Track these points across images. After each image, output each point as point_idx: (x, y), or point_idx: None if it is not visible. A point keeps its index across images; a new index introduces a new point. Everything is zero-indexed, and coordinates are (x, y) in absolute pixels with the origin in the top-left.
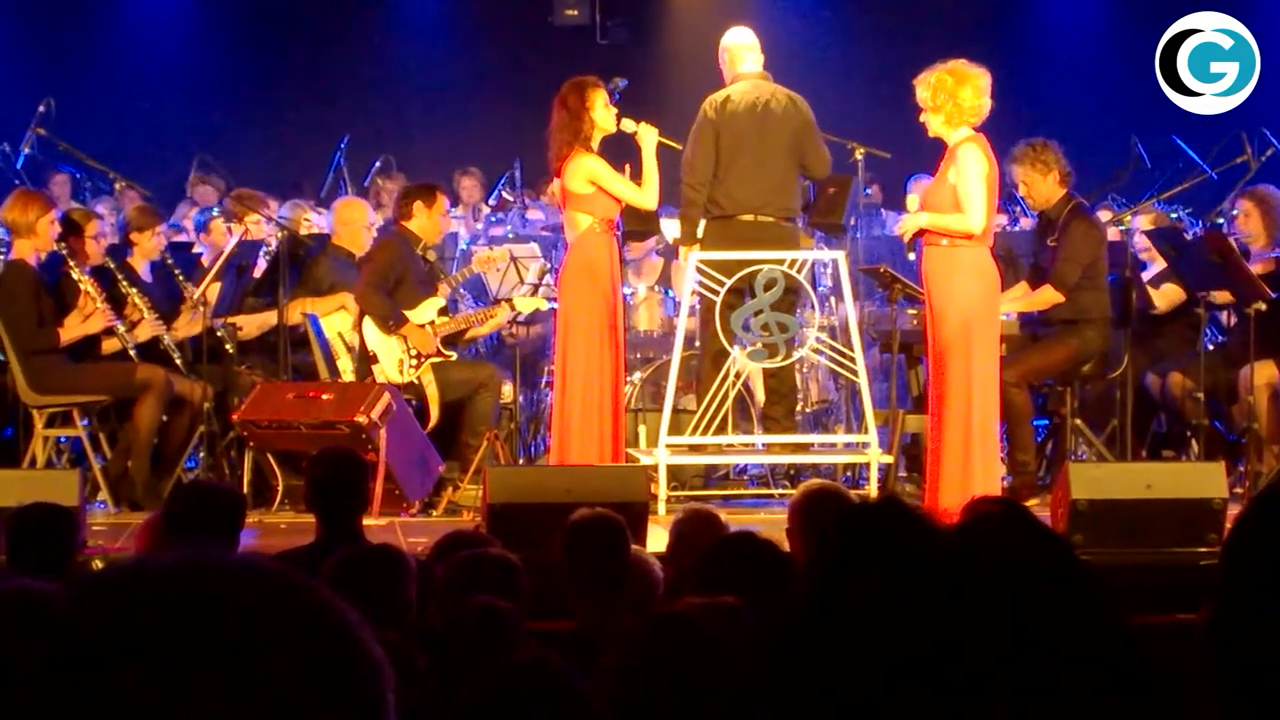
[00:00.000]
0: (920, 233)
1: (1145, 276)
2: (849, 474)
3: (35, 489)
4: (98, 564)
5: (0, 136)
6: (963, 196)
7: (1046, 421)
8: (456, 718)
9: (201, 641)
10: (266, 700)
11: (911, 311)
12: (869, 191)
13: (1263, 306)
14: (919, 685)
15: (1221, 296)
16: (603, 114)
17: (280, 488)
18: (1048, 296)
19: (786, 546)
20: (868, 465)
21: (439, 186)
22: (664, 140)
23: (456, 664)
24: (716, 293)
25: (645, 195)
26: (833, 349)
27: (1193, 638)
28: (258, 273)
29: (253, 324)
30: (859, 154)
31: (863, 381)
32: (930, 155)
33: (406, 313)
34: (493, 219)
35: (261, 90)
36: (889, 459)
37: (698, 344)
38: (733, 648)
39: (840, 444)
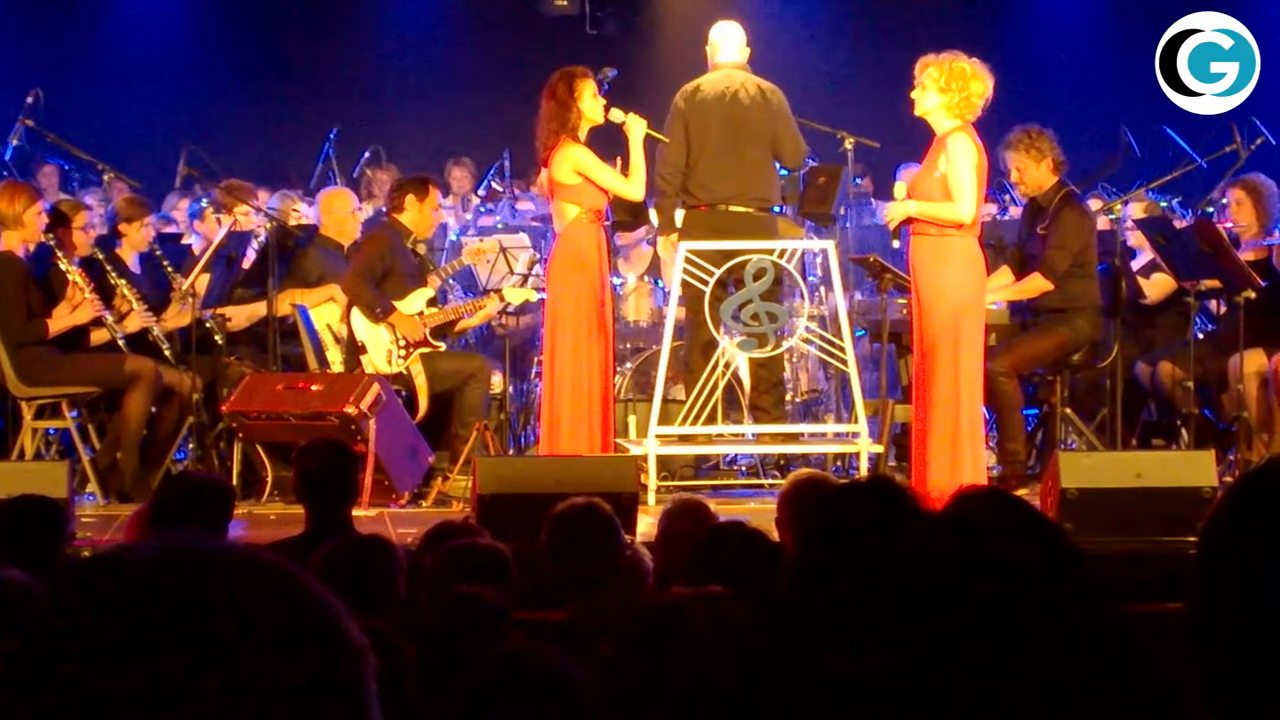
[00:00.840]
0: (908, 221)
1: (1134, 265)
2: (839, 464)
3: (24, 481)
4: (87, 555)
5: None
6: (953, 185)
7: (1036, 410)
8: (451, 706)
9: (181, 628)
10: (247, 687)
11: (901, 301)
12: (859, 181)
13: (1252, 295)
14: (904, 669)
15: (1211, 285)
16: (590, 105)
17: (269, 479)
18: (1036, 284)
19: (776, 536)
20: (858, 455)
21: (432, 180)
22: (651, 132)
23: (444, 653)
24: (705, 283)
25: (632, 186)
26: (822, 339)
27: (1180, 627)
28: (247, 264)
29: (241, 315)
30: (849, 144)
31: (852, 371)
32: (920, 144)
33: (395, 303)
34: (482, 209)
35: (250, 81)
36: (879, 448)
37: (685, 334)
38: (722, 637)
39: (830, 434)
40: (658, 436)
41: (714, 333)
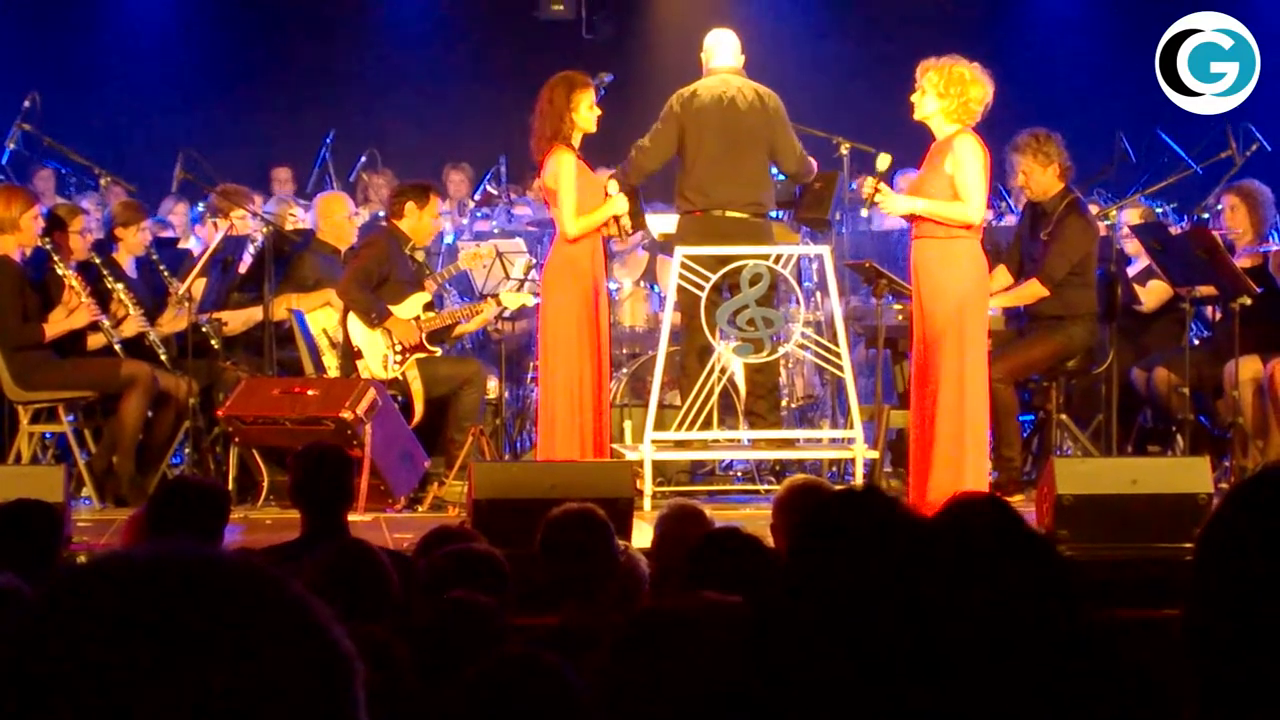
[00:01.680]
0: (912, 222)
1: (1130, 272)
2: (834, 469)
3: (20, 485)
4: (82, 560)
5: None
6: (961, 186)
7: (1032, 417)
8: (447, 711)
9: (171, 634)
10: (234, 692)
11: (897, 306)
12: (854, 186)
13: (1248, 301)
14: (893, 676)
15: (1207, 291)
16: (585, 115)
17: (265, 483)
18: (1034, 290)
19: (771, 542)
20: (853, 461)
21: (433, 187)
22: (620, 222)
23: (438, 658)
24: (701, 288)
25: (570, 226)
26: (818, 344)
27: (1175, 633)
28: (243, 268)
29: (238, 319)
30: (844, 149)
31: (848, 377)
32: (917, 151)
33: (392, 308)
34: (478, 214)
35: (247, 85)
36: (874, 454)
37: (681, 339)
38: (718, 643)
39: (825, 439)
40: (653, 442)
41: (710, 338)
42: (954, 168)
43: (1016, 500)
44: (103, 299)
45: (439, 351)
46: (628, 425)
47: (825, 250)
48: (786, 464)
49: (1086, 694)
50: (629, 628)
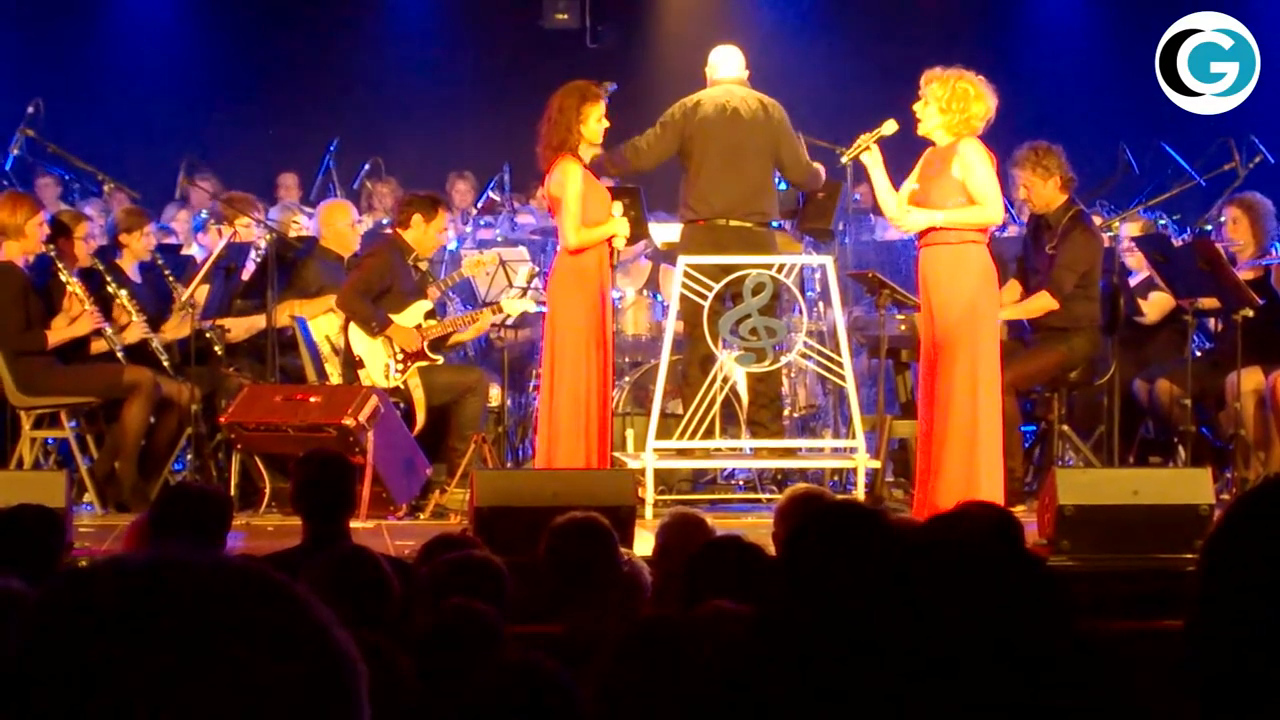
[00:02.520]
0: (921, 232)
1: (1131, 283)
2: (836, 479)
3: (22, 490)
4: (83, 564)
5: None
6: (977, 190)
7: (1034, 427)
8: (448, 717)
9: (172, 637)
10: (237, 695)
11: (900, 316)
12: (857, 197)
13: (1250, 313)
14: (879, 686)
15: (1208, 303)
16: (594, 128)
17: (267, 490)
18: (1043, 303)
19: (772, 550)
20: (855, 470)
21: (442, 201)
22: (615, 242)
23: (437, 666)
24: (704, 297)
25: (572, 238)
26: (820, 354)
27: (1177, 644)
28: (246, 275)
29: (241, 326)
30: (846, 163)
31: (850, 386)
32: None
33: (393, 316)
34: (481, 222)
35: (251, 92)
36: (876, 464)
37: (683, 348)
38: (719, 652)
39: (828, 449)
40: (655, 450)
41: (712, 347)
42: (964, 172)
43: (1018, 511)
44: (106, 305)
45: (441, 359)
46: (630, 434)
47: (828, 260)
48: (788, 473)
49: (1070, 705)
50: (630, 636)
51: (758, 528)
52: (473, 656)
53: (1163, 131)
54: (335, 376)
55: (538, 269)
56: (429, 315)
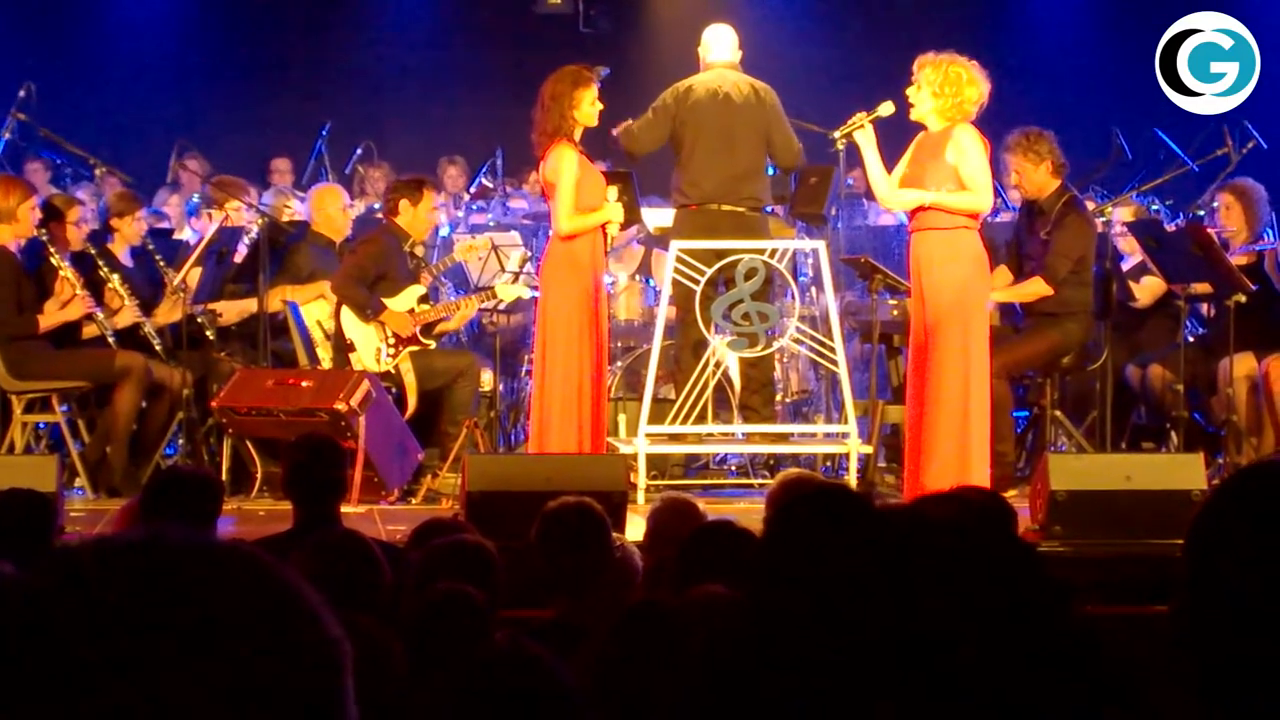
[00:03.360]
0: (911, 216)
1: (1123, 268)
2: (828, 464)
3: (13, 474)
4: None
5: None
6: (968, 176)
7: (1026, 413)
8: (439, 701)
9: (157, 615)
10: (222, 673)
11: (892, 301)
12: (850, 181)
13: (1242, 298)
14: (865, 670)
15: (1201, 288)
16: (588, 111)
17: (259, 475)
18: (1036, 288)
19: None
20: (847, 455)
21: (426, 181)
22: (610, 228)
23: (427, 650)
24: (696, 282)
25: (564, 223)
26: (813, 339)
27: (1168, 628)
28: (238, 259)
29: (232, 311)
30: (840, 144)
31: (842, 372)
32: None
33: (386, 301)
34: (474, 207)
35: (243, 76)
36: (868, 449)
37: (675, 333)
38: (709, 635)
39: (820, 434)
40: (648, 435)
41: (705, 332)
42: (957, 157)
43: (1010, 496)
44: (97, 290)
45: (433, 344)
46: (622, 419)
47: (820, 245)
48: (780, 458)
49: (1057, 689)
50: (622, 621)
51: (750, 513)
52: (462, 641)
53: (1156, 117)
54: (327, 361)
55: (530, 254)
56: (422, 300)
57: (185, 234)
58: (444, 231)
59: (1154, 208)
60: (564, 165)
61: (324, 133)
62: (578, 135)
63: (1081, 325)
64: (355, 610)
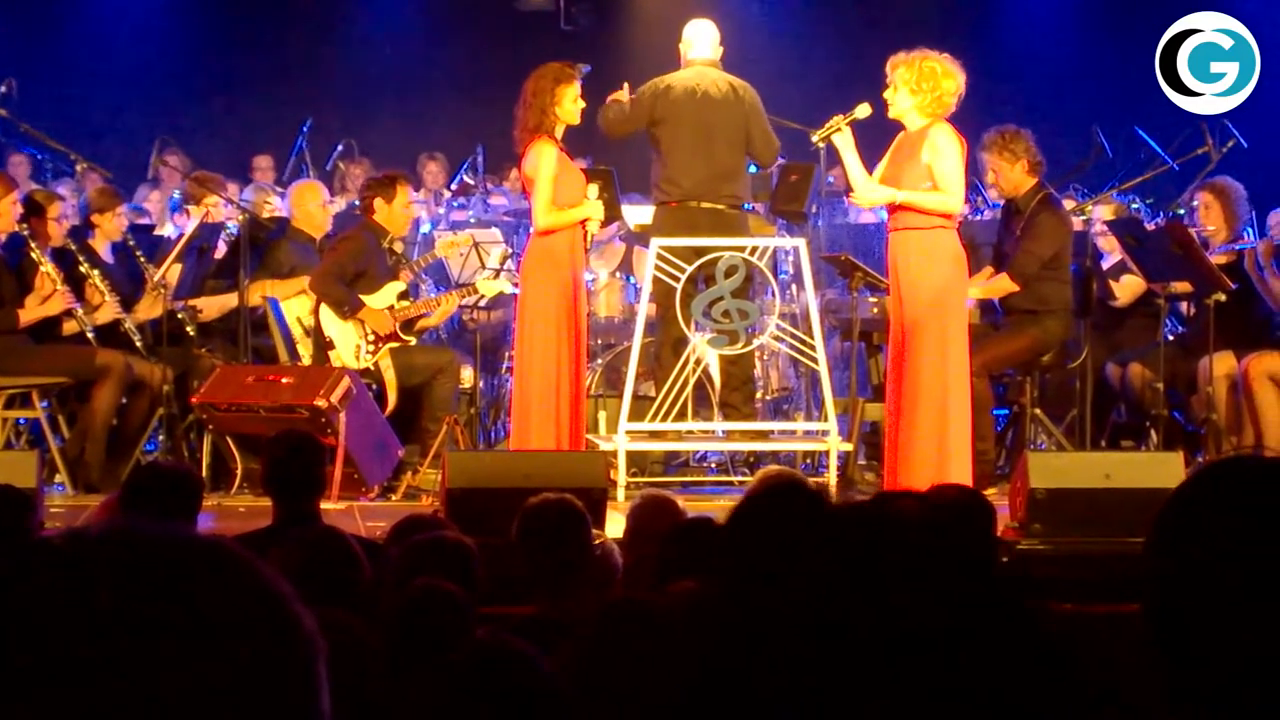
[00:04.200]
0: (893, 212)
1: (1103, 266)
2: (808, 461)
3: None
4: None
5: None
6: (941, 176)
7: (1006, 411)
8: (420, 697)
9: (128, 607)
10: (195, 666)
11: (872, 299)
12: (831, 179)
13: (1222, 297)
14: (831, 670)
15: (1181, 287)
16: (569, 109)
17: (239, 471)
18: (1003, 285)
19: None
20: (827, 453)
21: (399, 177)
22: (590, 225)
23: (406, 646)
24: (677, 279)
25: (544, 220)
26: (793, 336)
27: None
28: (219, 255)
29: (213, 307)
30: (821, 142)
31: (823, 369)
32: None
33: (365, 298)
34: (454, 204)
35: (225, 73)
36: (848, 447)
37: (656, 331)
38: (690, 632)
39: (800, 431)
40: (628, 433)
41: (685, 329)
42: (932, 157)
43: (990, 494)
44: (78, 286)
45: (414, 340)
46: (602, 416)
47: (801, 243)
48: (760, 456)
49: (1020, 685)
50: (602, 617)
51: (729, 510)
52: (442, 637)
53: (1136, 115)
54: (307, 357)
55: (511, 250)
56: (402, 296)
57: (167, 230)
58: (425, 228)
59: (1134, 206)
60: (543, 161)
61: (305, 129)
62: (559, 132)
63: (1061, 323)
64: (335, 606)
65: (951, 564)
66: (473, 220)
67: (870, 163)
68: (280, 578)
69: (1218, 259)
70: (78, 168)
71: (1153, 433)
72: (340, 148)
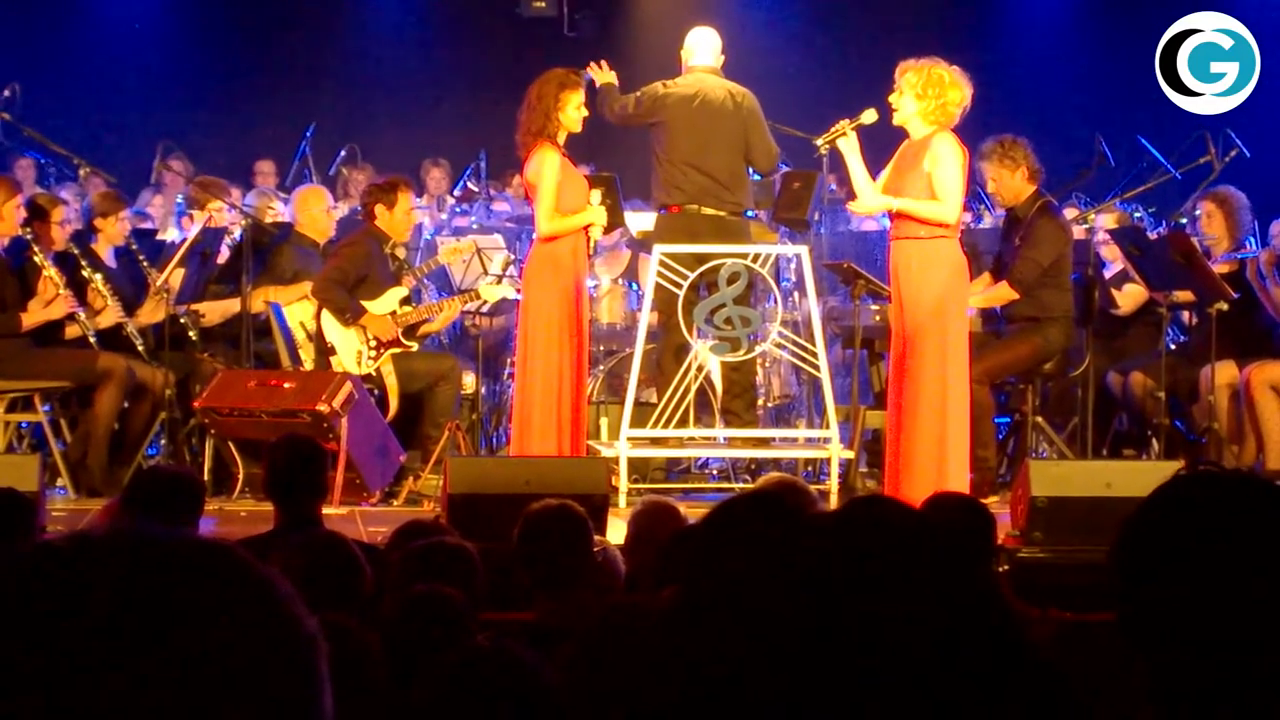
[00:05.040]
0: (894, 219)
1: (1105, 275)
2: (810, 469)
3: None
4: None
5: None
6: (939, 185)
7: (1008, 419)
8: (419, 701)
9: (130, 609)
10: (196, 667)
11: (874, 307)
12: (833, 187)
13: (1225, 307)
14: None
15: (1183, 296)
16: (572, 115)
17: (241, 475)
18: (1003, 293)
19: None
20: (829, 460)
21: (400, 183)
22: (593, 231)
23: (406, 650)
24: (679, 286)
25: (546, 225)
26: (795, 344)
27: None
28: (221, 260)
29: (215, 311)
30: (824, 149)
31: (824, 377)
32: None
33: (368, 303)
34: (458, 209)
35: (228, 78)
36: (850, 454)
37: (658, 337)
38: (666, 636)
39: (801, 439)
40: (629, 439)
41: (687, 336)
42: (932, 166)
43: (991, 502)
44: (80, 290)
45: (415, 346)
46: (604, 422)
47: (803, 250)
48: (762, 463)
49: (988, 692)
50: (602, 623)
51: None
52: (442, 642)
53: (1139, 124)
54: (309, 362)
55: (514, 256)
56: (404, 302)
57: (170, 234)
58: (427, 234)
59: (1136, 215)
60: (545, 167)
61: (308, 134)
62: (561, 138)
63: (1063, 330)
64: (336, 611)
65: (938, 572)
66: (475, 226)
67: (874, 171)
68: (282, 579)
69: (1220, 268)
70: (81, 172)
71: (1154, 441)
72: (343, 153)
